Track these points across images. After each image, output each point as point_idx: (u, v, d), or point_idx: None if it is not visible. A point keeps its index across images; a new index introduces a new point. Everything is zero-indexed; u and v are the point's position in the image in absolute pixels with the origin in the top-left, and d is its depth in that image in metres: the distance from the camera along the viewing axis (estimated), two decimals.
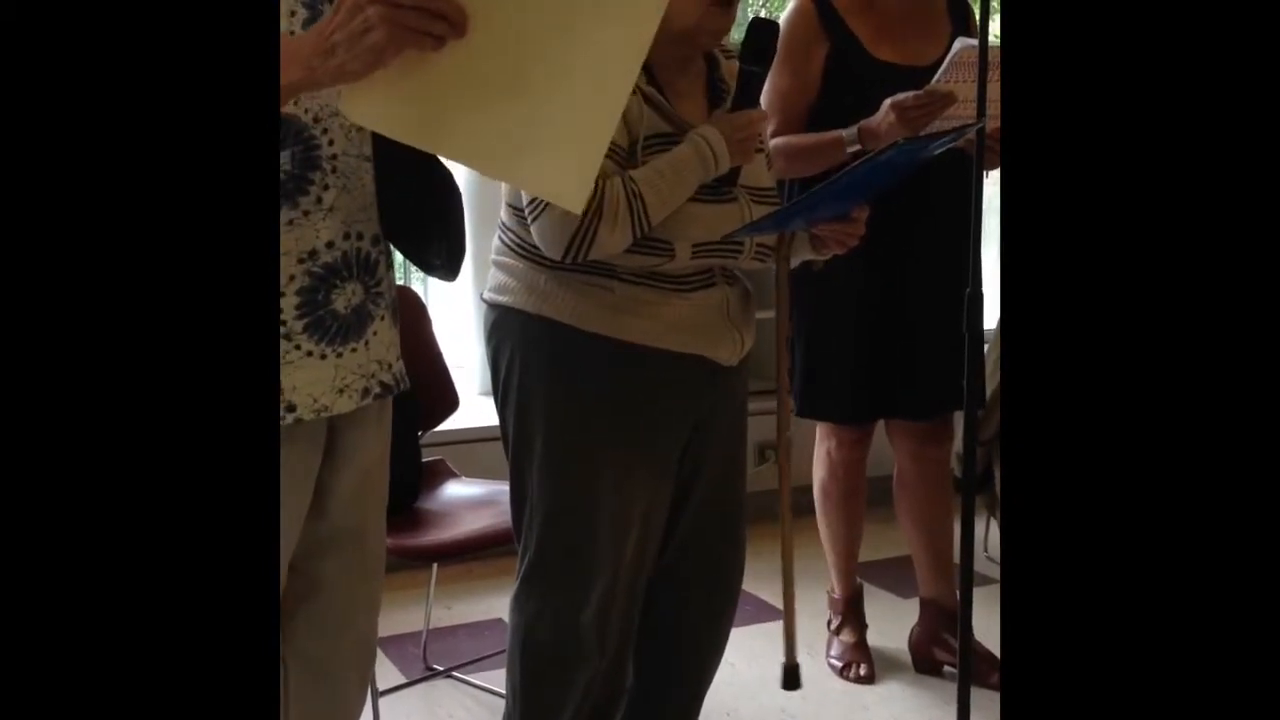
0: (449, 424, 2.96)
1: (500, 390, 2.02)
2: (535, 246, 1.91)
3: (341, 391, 1.47)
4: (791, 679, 2.16)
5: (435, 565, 3.03)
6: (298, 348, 1.43)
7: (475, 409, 3.41)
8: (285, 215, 1.39)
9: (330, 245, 1.44)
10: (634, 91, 1.87)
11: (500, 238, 2.00)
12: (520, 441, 2.00)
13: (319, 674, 1.60)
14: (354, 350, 1.48)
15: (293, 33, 1.38)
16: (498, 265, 2.00)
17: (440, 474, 2.93)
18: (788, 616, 2.12)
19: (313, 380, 1.44)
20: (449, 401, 2.92)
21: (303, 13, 1.41)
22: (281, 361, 1.40)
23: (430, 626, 3.11)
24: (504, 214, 1.99)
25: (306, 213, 1.41)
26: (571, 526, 1.97)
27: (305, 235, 1.41)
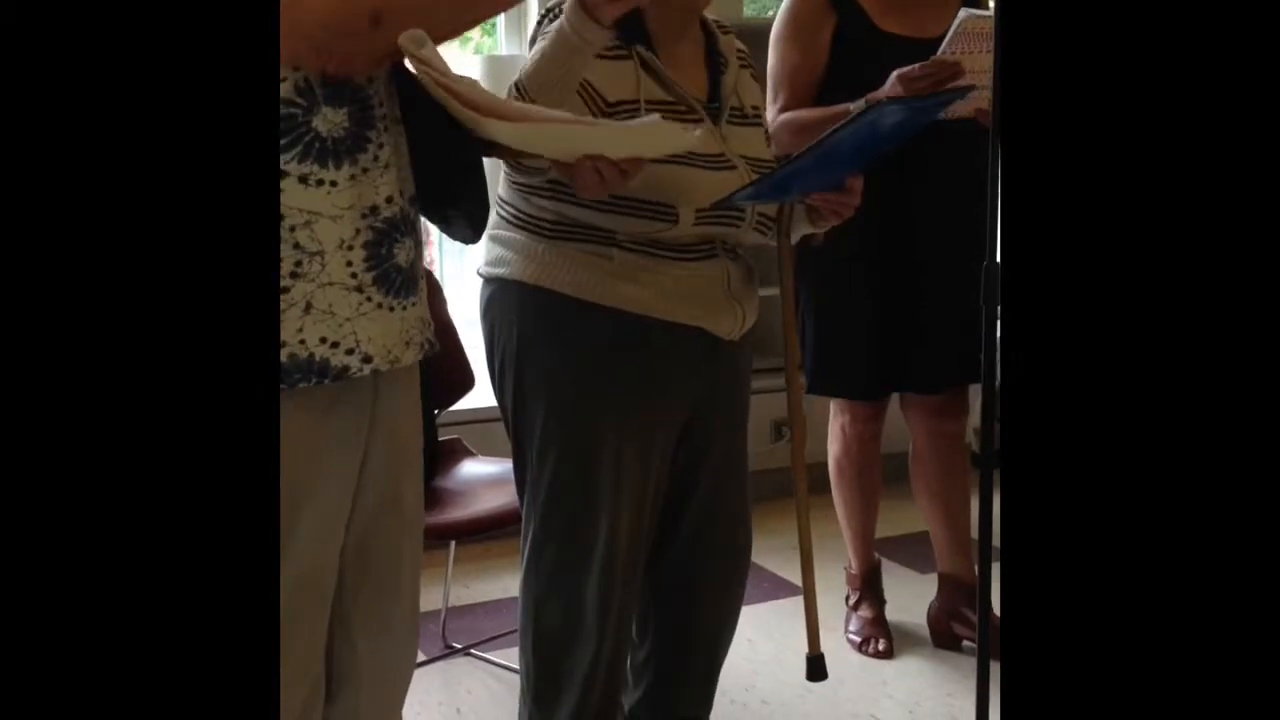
0: (464, 403, 2.98)
1: (498, 365, 2.03)
2: (534, 216, 1.91)
3: (408, 344, 1.51)
4: (816, 670, 2.16)
5: (453, 544, 3.06)
6: (369, 299, 1.45)
7: (490, 388, 3.41)
8: (347, 171, 1.42)
9: (390, 200, 1.47)
10: (630, 57, 1.87)
11: (498, 212, 2.01)
12: (519, 416, 2.01)
13: (375, 644, 1.60)
14: (414, 304, 1.52)
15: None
16: (494, 239, 2.01)
17: (456, 453, 2.95)
18: (809, 605, 2.12)
19: (385, 331, 1.47)
20: (464, 380, 2.94)
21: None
22: (355, 314, 1.43)
23: (449, 605, 3.14)
24: (502, 188, 2.00)
25: (366, 169, 1.44)
26: (572, 501, 1.97)
27: (366, 192, 1.44)
